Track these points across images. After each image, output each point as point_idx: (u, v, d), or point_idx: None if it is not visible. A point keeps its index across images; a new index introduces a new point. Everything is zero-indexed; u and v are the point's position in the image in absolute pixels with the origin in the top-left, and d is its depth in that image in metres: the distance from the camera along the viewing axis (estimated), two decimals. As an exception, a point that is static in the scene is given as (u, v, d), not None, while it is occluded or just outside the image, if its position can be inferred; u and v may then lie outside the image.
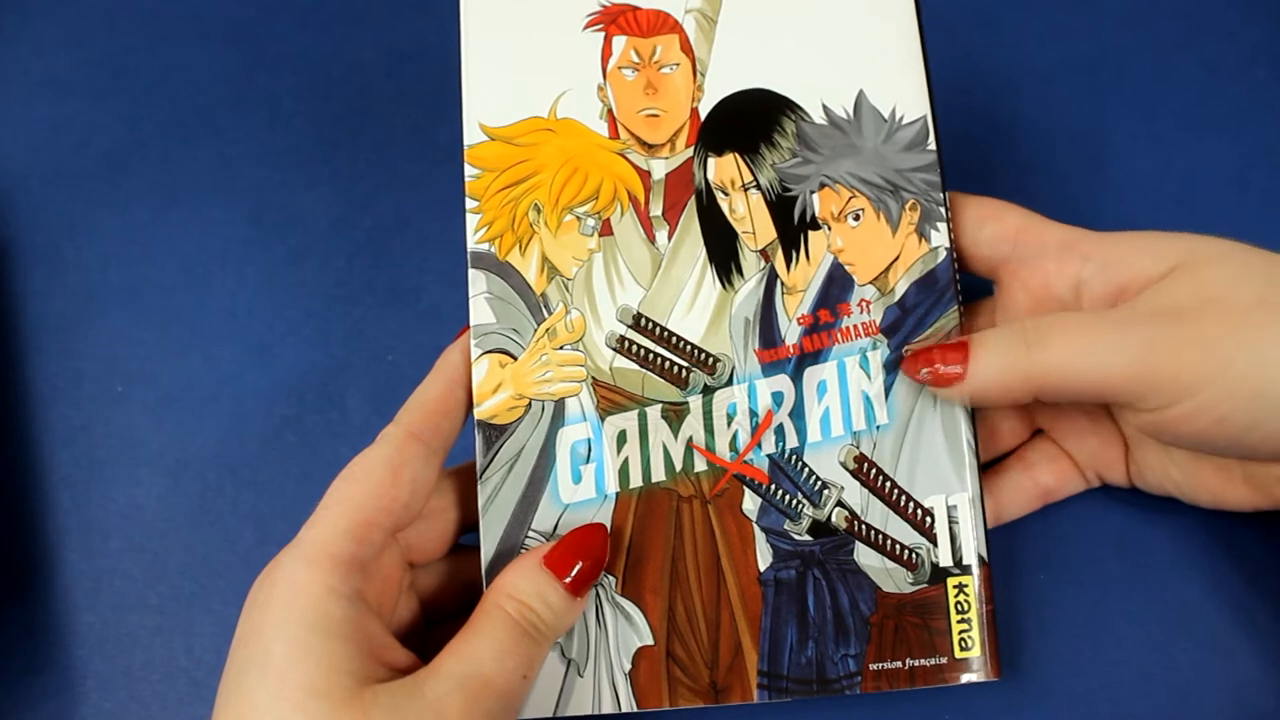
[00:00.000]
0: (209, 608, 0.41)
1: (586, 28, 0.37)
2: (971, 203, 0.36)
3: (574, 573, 0.32)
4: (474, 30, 0.37)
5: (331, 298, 0.45)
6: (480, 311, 0.35)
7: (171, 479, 0.43)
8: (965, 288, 0.36)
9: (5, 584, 0.41)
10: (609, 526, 0.34)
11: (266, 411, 0.44)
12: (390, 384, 0.44)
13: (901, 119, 0.36)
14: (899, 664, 0.34)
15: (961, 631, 0.34)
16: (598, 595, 0.34)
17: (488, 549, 0.34)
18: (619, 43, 0.37)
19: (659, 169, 0.36)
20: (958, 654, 0.34)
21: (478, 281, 0.35)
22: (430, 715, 0.27)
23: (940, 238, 0.36)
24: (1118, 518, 0.40)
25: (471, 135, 0.36)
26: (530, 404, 0.35)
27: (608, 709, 0.33)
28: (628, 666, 0.34)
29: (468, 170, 0.36)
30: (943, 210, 0.36)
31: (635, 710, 0.33)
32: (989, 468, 0.39)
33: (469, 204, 0.36)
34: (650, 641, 0.34)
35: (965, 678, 0.34)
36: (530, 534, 0.34)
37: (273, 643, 0.28)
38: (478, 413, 0.35)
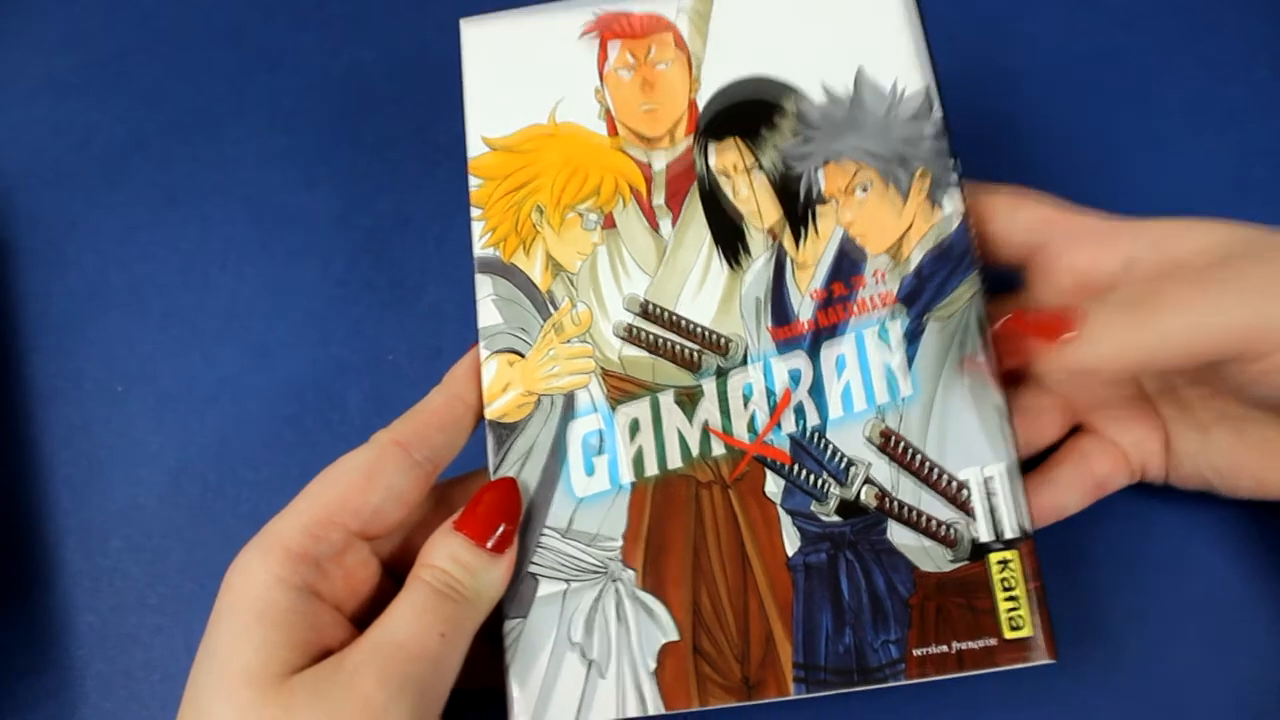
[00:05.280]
0: (209, 608, 0.40)
1: (582, 35, 0.37)
2: (1003, 189, 0.36)
3: (494, 534, 0.31)
4: (474, 49, 0.37)
5: (331, 298, 0.45)
6: (487, 313, 0.35)
7: (171, 479, 0.42)
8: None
9: (5, 584, 0.41)
10: (625, 518, 0.33)
11: (266, 411, 0.43)
12: (390, 384, 0.43)
13: (903, 91, 0.35)
14: (944, 648, 0.31)
15: (1010, 610, 0.31)
16: (617, 591, 0.32)
17: (502, 549, 0.33)
18: (614, 46, 0.37)
19: (659, 160, 0.36)
20: (1008, 635, 0.31)
21: (484, 285, 0.35)
22: (349, 686, 0.27)
23: (953, 204, 0.34)
24: (1118, 516, 0.38)
25: (474, 148, 0.37)
26: (539, 400, 0.34)
27: (633, 712, 0.31)
28: (653, 665, 0.32)
29: (471, 181, 0.36)
30: (954, 176, 0.35)
31: (663, 712, 0.31)
32: (1033, 467, 0.37)
33: (473, 212, 0.36)
34: (675, 637, 0.32)
35: (1020, 660, 0.31)
36: (545, 531, 0.33)
37: (221, 630, 0.29)
38: (487, 413, 0.34)
